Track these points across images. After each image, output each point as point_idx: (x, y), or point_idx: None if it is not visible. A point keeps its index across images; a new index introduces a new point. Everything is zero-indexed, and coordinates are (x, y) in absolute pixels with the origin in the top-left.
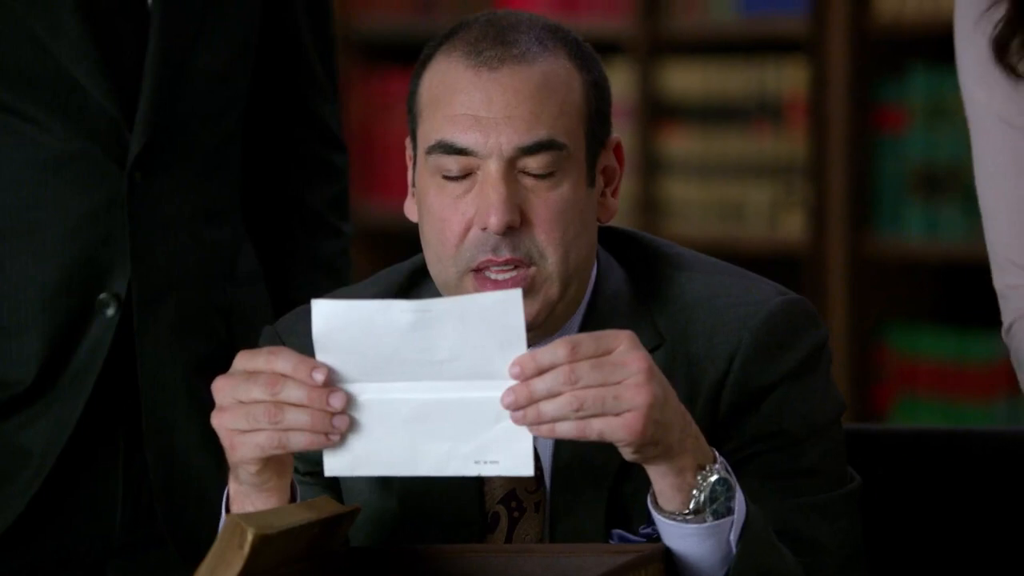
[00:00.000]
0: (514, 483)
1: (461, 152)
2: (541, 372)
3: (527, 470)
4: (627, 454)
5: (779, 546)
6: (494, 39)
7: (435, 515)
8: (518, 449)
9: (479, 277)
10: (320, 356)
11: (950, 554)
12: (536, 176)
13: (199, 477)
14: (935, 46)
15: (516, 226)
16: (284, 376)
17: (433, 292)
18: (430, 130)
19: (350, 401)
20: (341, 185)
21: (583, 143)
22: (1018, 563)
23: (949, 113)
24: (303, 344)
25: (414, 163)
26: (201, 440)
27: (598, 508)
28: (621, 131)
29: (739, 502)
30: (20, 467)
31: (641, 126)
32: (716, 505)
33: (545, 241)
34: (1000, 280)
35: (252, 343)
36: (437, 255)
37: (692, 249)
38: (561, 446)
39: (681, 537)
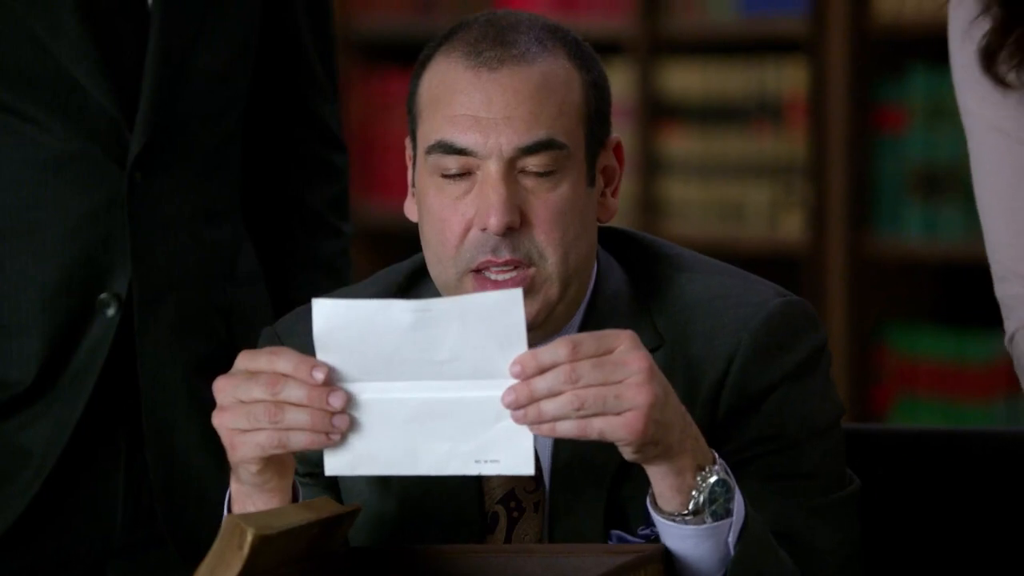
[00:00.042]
0: (513, 483)
1: (461, 152)
2: (542, 371)
3: (528, 469)
4: (627, 454)
5: (777, 549)
6: (494, 39)
7: (435, 515)
8: (519, 448)
9: (479, 278)
10: (320, 355)
11: (950, 554)
12: (536, 175)
13: (199, 477)
14: (935, 46)
15: (516, 227)
16: (285, 376)
17: (432, 292)
18: (430, 130)
19: (350, 400)
20: (341, 185)
21: (583, 143)
22: (1018, 563)
23: (949, 113)
24: (303, 345)
25: (414, 163)
26: (201, 440)
27: (597, 508)
28: (621, 131)
29: (738, 504)
30: (20, 467)
31: (641, 126)
32: (715, 506)
33: (545, 242)
34: (1002, 290)
35: (252, 343)
36: (437, 255)
37: (692, 249)
38: (560, 446)
39: (680, 538)
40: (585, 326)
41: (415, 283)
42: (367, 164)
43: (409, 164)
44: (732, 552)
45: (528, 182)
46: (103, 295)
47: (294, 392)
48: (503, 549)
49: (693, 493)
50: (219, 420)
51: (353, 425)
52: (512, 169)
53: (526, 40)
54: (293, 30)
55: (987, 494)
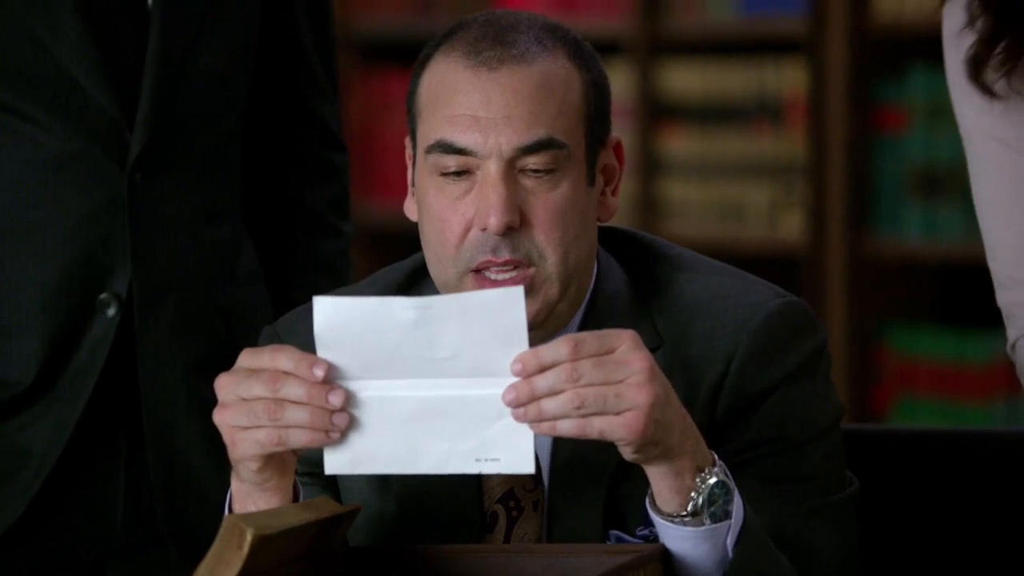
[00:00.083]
0: (512, 482)
1: (460, 152)
2: (543, 369)
3: (528, 468)
4: (627, 454)
5: (776, 552)
6: (493, 39)
7: (434, 515)
8: (519, 446)
9: (479, 277)
10: (321, 353)
11: (950, 554)
12: (536, 175)
13: (199, 477)
14: (934, 46)
15: (516, 226)
16: (285, 373)
17: (432, 291)
18: (429, 130)
19: (351, 398)
20: (341, 185)
21: (583, 142)
22: (1018, 563)
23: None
24: (303, 344)
25: (413, 162)
26: (202, 440)
27: (596, 508)
28: (620, 131)
29: (737, 506)
30: (20, 467)
31: (640, 126)
32: (714, 508)
33: (545, 242)
34: (1004, 298)
35: (252, 343)
36: (437, 255)
37: (692, 249)
38: (559, 445)
39: (678, 539)
40: (585, 326)
41: (415, 282)
42: (367, 164)
43: (409, 163)
44: (730, 554)
45: (528, 182)
46: (103, 295)
47: (294, 390)
48: (503, 549)
49: (692, 495)
50: (220, 417)
51: (353, 423)
52: (512, 169)
53: (526, 40)
54: (293, 30)
55: (987, 494)
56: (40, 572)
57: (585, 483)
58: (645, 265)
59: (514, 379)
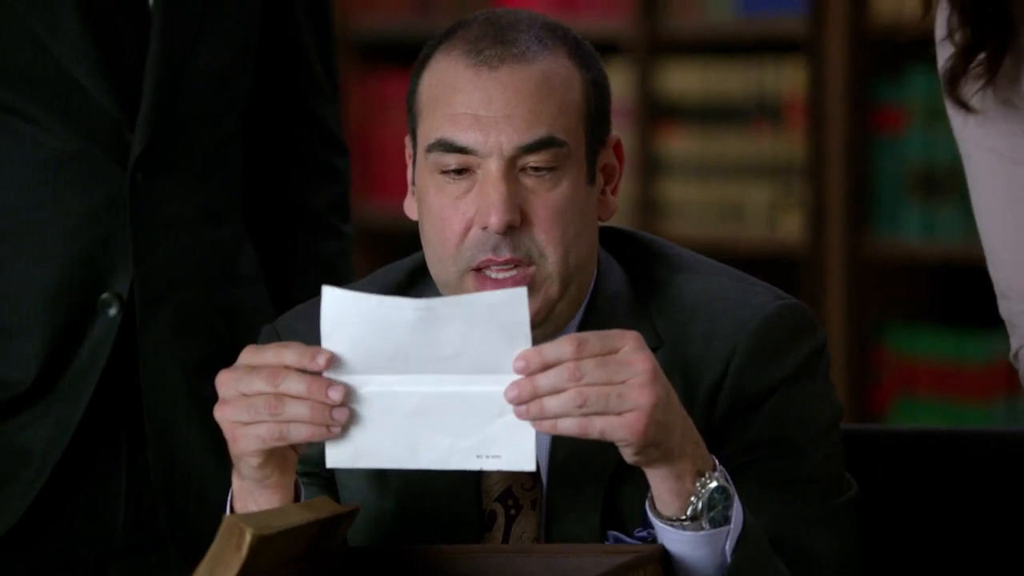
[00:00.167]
0: (510, 480)
1: (461, 151)
2: (546, 367)
3: (529, 465)
4: (628, 455)
5: (775, 559)
6: (494, 38)
7: (432, 513)
8: (520, 444)
9: (479, 276)
10: (326, 344)
11: (950, 555)
12: (536, 174)
13: (200, 477)
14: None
15: (516, 225)
16: (286, 368)
17: (433, 290)
18: (430, 129)
19: (353, 393)
20: (342, 186)
21: (583, 141)
22: (1018, 563)
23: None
24: (302, 343)
25: (414, 161)
26: (202, 440)
27: (594, 507)
28: (620, 131)
29: (737, 512)
30: (21, 468)
31: (640, 126)
32: (713, 513)
33: (545, 240)
34: (1005, 308)
35: (253, 343)
36: (437, 254)
37: (691, 250)
38: (558, 444)
39: (677, 543)
40: (585, 326)
41: (415, 281)
42: (366, 164)
43: (409, 162)
44: (729, 560)
45: (528, 181)
46: (104, 295)
47: (294, 385)
48: (502, 549)
49: (692, 499)
50: (221, 413)
51: (355, 418)
52: (512, 167)
53: (526, 39)
54: (293, 30)
55: (987, 494)
56: (41, 573)
57: (584, 482)
58: (645, 265)
59: (516, 376)
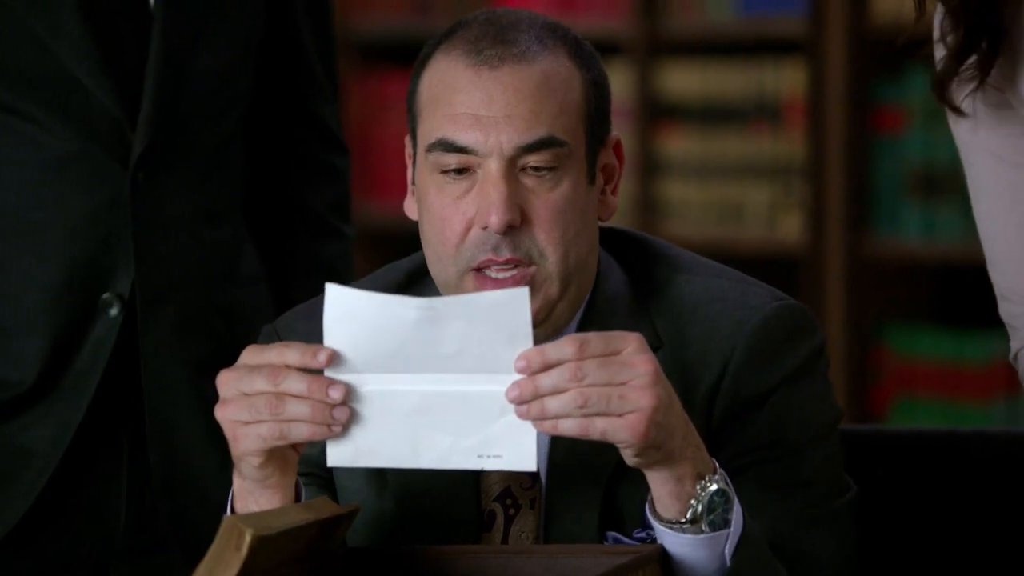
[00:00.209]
0: (509, 480)
1: (461, 151)
2: (547, 367)
3: (530, 465)
4: (628, 457)
5: (774, 562)
6: (494, 38)
7: (432, 513)
8: (521, 444)
9: (479, 276)
10: (328, 341)
11: (949, 555)
12: (536, 174)
13: (201, 477)
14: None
15: (516, 225)
16: (287, 368)
17: (432, 291)
18: (430, 128)
19: (354, 392)
20: (342, 187)
21: (583, 141)
22: (1018, 564)
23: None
24: (303, 342)
25: (414, 161)
26: (204, 440)
27: (593, 506)
28: (620, 132)
29: (736, 515)
30: (23, 468)
31: (639, 127)
32: (713, 516)
33: (545, 240)
34: (1005, 310)
35: (254, 343)
36: (437, 254)
37: (691, 250)
38: (557, 444)
39: (676, 545)
40: (584, 326)
41: (415, 281)
42: (366, 165)
43: (409, 162)
44: (728, 563)
45: (529, 180)
46: (106, 295)
47: (294, 384)
48: (501, 550)
49: (692, 502)
50: (221, 413)
51: (356, 417)
52: (513, 167)
53: (527, 39)
54: (293, 30)
55: (986, 495)
56: (42, 574)
57: (583, 482)
58: (644, 266)
59: (518, 376)
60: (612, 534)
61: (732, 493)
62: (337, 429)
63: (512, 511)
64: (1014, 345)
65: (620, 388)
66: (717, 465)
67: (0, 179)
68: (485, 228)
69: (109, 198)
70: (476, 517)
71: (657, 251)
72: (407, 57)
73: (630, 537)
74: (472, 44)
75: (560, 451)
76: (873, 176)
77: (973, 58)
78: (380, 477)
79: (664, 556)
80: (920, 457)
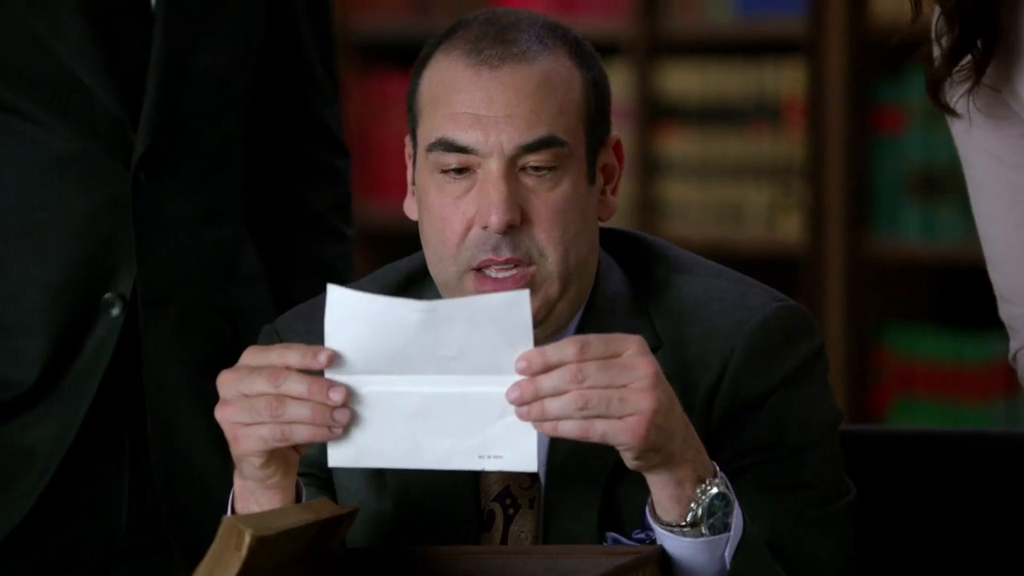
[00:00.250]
0: (508, 480)
1: (462, 150)
2: (548, 369)
3: (531, 466)
4: (628, 460)
5: (774, 565)
6: (494, 38)
7: (431, 513)
8: (522, 445)
9: (479, 276)
10: (329, 342)
11: (949, 556)
12: (537, 172)
13: (203, 477)
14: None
15: (516, 225)
16: (287, 369)
17: (432, 291)
18: (430, 128)
19: (355, 393)
20: (343, 188)
21: (583, 141)
22: (1018, 564)
23: None
24: (303, 343)
25: (414, 161)
26: (205, 440)
27: (592, 507)
28: (619, 132)
29: (736, 519)
30: (24, 468)
31: (639, 127)
32: (713, 520)
33: (545, 240)
34: (1005, 311)
35: (254, 344)
36: (437, 254)
37: (690, 251)
38: (556, 444)
39: (676, 548)
40: (584, 326)
41: (415, 281)
42: (365, 165)
43: (409, 162)
44: (728, 567)
45: (529, 180)
46: (107, 295)
47: (295, 386)
48: (501, 550)
49: (692, 505)
50: (221, 414)
51: (357, 418)
52: (513, 167)
53: (527, 38)
54: (294, 31)
55: (986, 495)
56: (44, 574)
57: (582, 482)
58: (644, 266)
59: (519, 378)
60: (611, 535)
61: (732, 496)
62: (337, 431)
63: (511, 511)
64: (1013, 345)
65: (620, 391)
66: (717, 468)
67: (1, 179)
68: (485, 228)
69: (110, 198)
70: (475, 517)
71: (657, 251)
72: (407, 57)
73: (629, 538)
74: (472, 44)
75: (559, 451)
76: (873, 176)
77: (968, 59)
78: (380, 477)
79: (663, 557)
80: (920, 457)
